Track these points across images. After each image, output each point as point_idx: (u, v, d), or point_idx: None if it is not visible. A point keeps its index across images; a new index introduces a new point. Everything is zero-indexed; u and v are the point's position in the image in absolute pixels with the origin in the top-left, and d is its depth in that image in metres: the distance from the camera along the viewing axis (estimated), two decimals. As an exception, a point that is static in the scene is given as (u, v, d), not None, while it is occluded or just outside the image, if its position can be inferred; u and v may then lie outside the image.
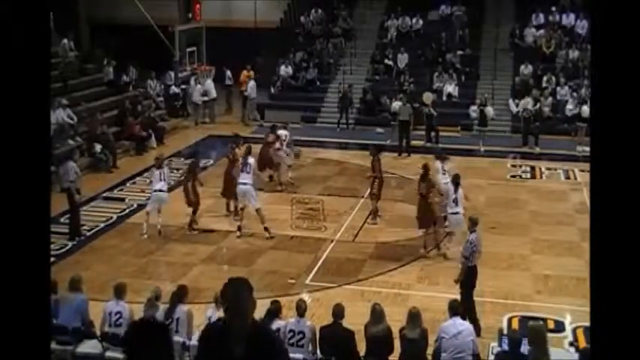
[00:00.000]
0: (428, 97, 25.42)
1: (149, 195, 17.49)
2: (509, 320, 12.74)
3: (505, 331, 11.88)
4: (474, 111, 25.82)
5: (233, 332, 4.40)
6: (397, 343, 10.07)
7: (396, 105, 25.36)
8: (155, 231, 16.70)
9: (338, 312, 10.15)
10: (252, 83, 28.78)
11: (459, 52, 29.21)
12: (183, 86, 29.28)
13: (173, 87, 28.65)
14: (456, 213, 15.24)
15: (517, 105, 26.11)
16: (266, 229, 16.58)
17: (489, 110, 25.62)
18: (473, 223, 12.63)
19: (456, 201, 15.34)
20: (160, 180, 16.88)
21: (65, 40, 26.12)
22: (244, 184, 16.47)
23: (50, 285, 10.54)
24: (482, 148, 24.35)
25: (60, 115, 22.26)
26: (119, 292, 10.87)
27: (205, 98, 28.48)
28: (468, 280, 12.25)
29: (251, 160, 16.78)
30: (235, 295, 4.43)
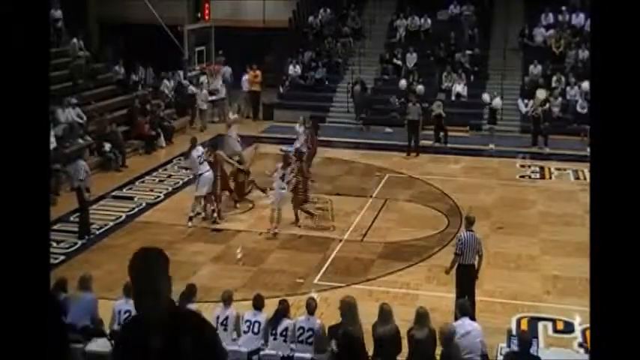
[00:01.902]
0: (439, 105, 25.32)
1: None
2: (518, 321, 12.67)
3: (514, 332, 11.88)
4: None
5: (147, 318, 3.58)
6: (405, 343, 10.01)
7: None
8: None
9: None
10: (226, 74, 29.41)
11: (468, 52, 29.08)
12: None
13: (191, 87, 28.55)
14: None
15: (526, 105, 26.07)
16: (190, 218, 17.17)
17: (497, 102, 25.64)
18: (468, 222, 12.60)
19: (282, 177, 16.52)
20: (201, 163, 17.22)
21: (75, 40, 26.18)
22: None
23: (60, 283, 10.74)
24: (492, 146, 24.31)
25: (69, 115, 22.29)
26: (129, 291, 10.85)
27: (213, 97, 28.59)
28: (460, 279, 12.22)
29: (200, 149, 17.57)
30: (145, 269, 3.53)
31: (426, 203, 18.94)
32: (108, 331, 10.48)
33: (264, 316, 10.42)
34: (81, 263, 14.97)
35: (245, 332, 10.29)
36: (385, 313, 10.05)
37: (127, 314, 10.43)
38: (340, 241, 16.39)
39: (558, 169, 22.16)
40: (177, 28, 29.38)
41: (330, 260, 15.38)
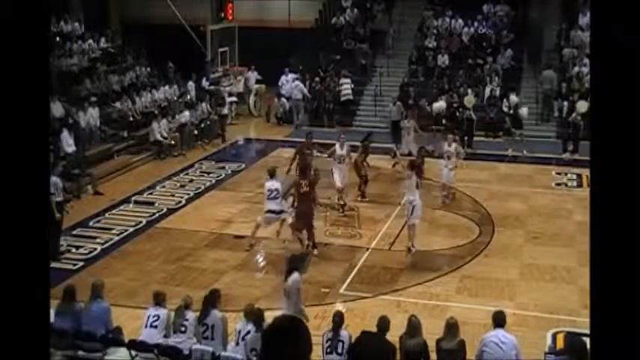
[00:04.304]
0: (470, 100, 24.83)
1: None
2: (554, 336, 12.18)
3: (547, 349, 11.44)
4: (506, 106, 25.41)
5: None
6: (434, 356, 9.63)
7: (437, 105, 25.28)
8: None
9: (383, 324, 9.68)
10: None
11: (501, 53, 28.58)
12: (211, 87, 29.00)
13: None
14: None
15: (560, 109, 25.49)
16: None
17: (524, 111, 25.04)
18: None
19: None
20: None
21: (91, 40, 26.15)
22: None
23: (69, 291, 10.49)
24: (510, 152, 23.74)
25: (90, 117, 22.06)
26: (158, 299, 10.54)
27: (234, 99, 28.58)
28: None
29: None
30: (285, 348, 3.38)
31: (456, 211, 18.43)
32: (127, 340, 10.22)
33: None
34: (100, 270, 14.63)
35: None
36: (413, 326, 9.74)
37: (156, 318, 10.25)
38: (367, 249, 15.91)
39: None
40: (199, 28, 29.15)
41: (356, 269, 14.91)
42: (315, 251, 15.32)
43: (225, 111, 26.46)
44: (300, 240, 15.41)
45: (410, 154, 21.82)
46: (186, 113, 24.87)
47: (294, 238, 15.53)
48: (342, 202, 18.16)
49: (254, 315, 9.91)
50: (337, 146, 18.64)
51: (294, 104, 28.04)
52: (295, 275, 10.90)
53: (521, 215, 18.07)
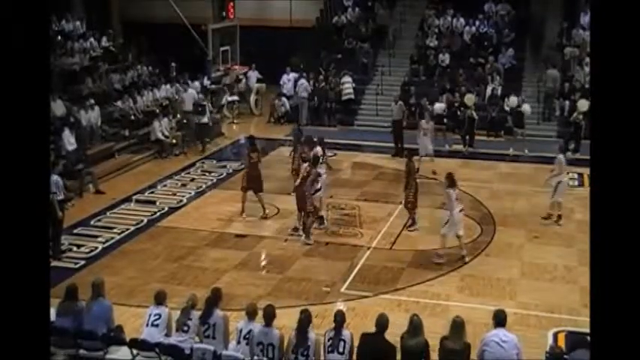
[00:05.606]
0: (470, 98, 24.76)
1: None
2: (555, 335, 12.16)
3: (548, 348, 11.35)
4: (507, 105, 25.39)
5: None
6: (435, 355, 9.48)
7: (438, 106, 25.11)
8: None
9: (381, 323, 9.64)
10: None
11: (503, 52, 28.53)
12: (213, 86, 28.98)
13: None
14: None
15: (562, 108, 25.35)
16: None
17: (526, 108, 24.90)
18: None
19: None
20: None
21: (92, 39, 26.10)
22: None
23: (72, 291, 10.43)
24: (511, 151, 23.68)
25: (91, 115, 22.05)
26: (159, 298, 10.52)
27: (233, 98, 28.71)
28: None
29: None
30: None
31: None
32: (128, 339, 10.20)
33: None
34: (101, 268, 14.64)
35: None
36: (415, 325, 9.62)
37: (157, 316, 10.23)
38: (368, 248, 15.91)
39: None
40: (201, 27, 29.13)
41: (357, 268, 14.91)
42: (266, 211, 17.71)
43: (205, 119, 25.22)
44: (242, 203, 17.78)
45: (427, 155, 21.61)
46: (196, 84, 25.12)
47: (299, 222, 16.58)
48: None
49: (264, 312, 9.87)
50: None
51: (299, 103, 27.99)
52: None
53: (523, 214, 18.05)
